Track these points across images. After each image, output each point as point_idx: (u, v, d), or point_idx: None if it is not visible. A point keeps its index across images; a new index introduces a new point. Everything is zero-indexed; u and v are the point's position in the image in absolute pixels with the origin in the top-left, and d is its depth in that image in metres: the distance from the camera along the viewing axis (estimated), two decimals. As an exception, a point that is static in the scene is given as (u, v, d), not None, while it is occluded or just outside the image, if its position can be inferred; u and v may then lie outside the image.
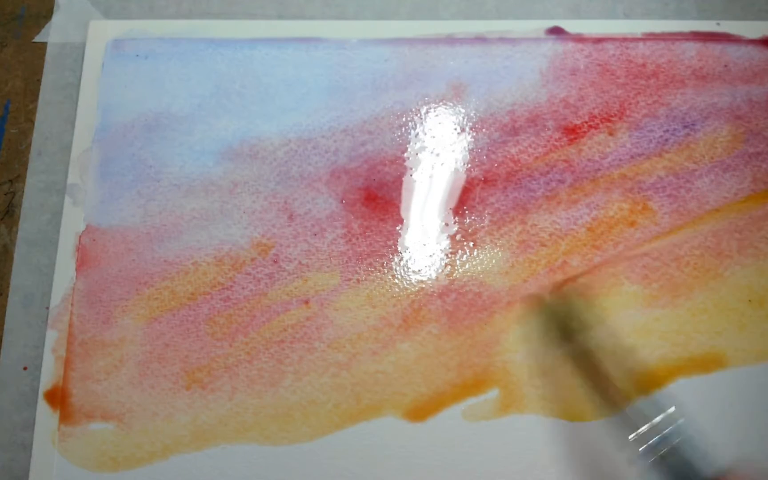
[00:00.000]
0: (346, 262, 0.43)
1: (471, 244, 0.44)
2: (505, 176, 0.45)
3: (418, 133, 0.46)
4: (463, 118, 0.47)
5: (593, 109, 0.47)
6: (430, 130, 0.46)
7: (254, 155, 0.46)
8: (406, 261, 0.44)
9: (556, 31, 0.48)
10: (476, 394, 0.41)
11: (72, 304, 0.43)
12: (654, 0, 0.50)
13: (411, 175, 0.45)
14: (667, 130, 0.46)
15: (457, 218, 0.44)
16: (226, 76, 0.47)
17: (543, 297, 0.41)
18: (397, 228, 0.44)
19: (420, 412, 0.41)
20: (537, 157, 0.46)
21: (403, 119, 0.46)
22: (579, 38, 0.48)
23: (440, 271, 0.43)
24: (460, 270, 0.43)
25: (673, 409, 0.33)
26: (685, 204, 0.45)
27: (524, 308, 0.42)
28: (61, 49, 0.49)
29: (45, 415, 0.41)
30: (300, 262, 0.43)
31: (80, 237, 0.44)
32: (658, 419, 0.33)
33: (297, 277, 0.43)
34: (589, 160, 0.45)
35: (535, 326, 0.41)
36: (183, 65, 0.47)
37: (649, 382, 0.41)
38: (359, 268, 0.43)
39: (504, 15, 0.49)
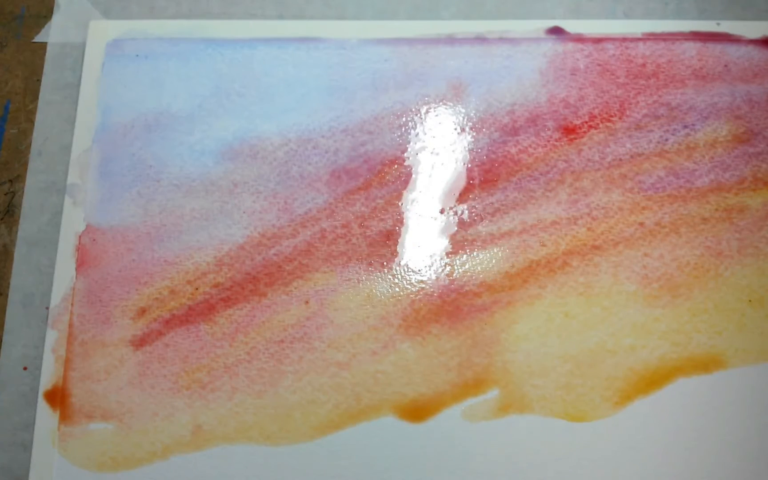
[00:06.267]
0: (346, 262, 0.43)
1: (471, 244, 0.44)
2: (505, 176, 0.45)
3: (418, 133, 0.46)
4: (463, 118, 0.47)
5: (593, 109, 0.47)
6: (430, 130, 0.46)
7: (254, 155, 0.46)
8: (406, 261, 0.44)
9: (556, 31, 0.48)
10: (476, 394, 0.41)
11: (72, 304, 0.43)
12: (654, 0, 0.50)
13: (411, 175, 0.45)
14: (667, 130, 0.46)
15: (457, 218, 0.44)
16: (226, 76, 0.47)
17: None
18: (397, 228, 0.44)
19: (420, 412, 0.41)
20: (537, 157, 0.46)
21: (403, 119, 0.46)
22: (579, 38, 0.48)
23: (440, 271, 0.43)
24: (460, 270, 0.43)
25: None
26: (685, 204, 0.45)
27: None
28: (61, 49, 0.49)
29: (45, 415, 0.41)
30: (300, 262, 0.43)
31: (80, 237, 0.44)
32: None
33: (297, 277, 0.43)
34: (589, 160, 0.45)
35: None
36: (183, 65, 0.47)
37: (649, 382, 0.42)
38: (359, 267, 0.43)
39: (504, 15, 0.49)
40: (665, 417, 0.41)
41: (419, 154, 0.46)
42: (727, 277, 0.43)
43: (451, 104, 0.47)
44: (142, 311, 0.43)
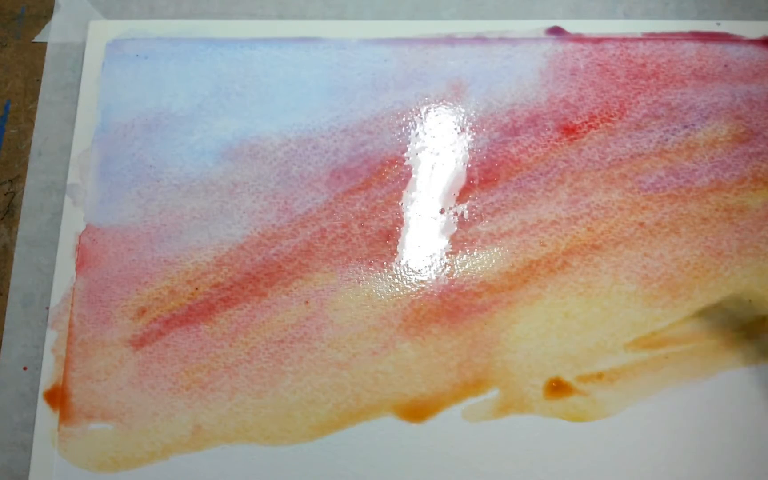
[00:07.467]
0: (346, 262, 0.43)
1: (471, 244, 0.44)
2: (505, 176, 0.45)
3: (418, 133, 0.46)
4: (463, 117, 0.47)
5: (593, 109, 0.47)
6: (430, 130, 0.46)
7: (254, 155, 0.46)
8: (406, 261, 0.44)
9: (556, 31, 0.48)
10: (476, 394, 0.41)
11: (72, 304, 0.43)
12: (654, 0, 0.50)
13: (411, 175, 0.45)
14: (667, 130, 0.46)
15: (457, 218, 0.44)
16: (226, 76, 0.47)
17: None
18: (397, 228, 0.44)
19: (420, 412, 0.41)
20: (537, 157, 0.46)
21: (403, 119, 0.46)
22: (579, 38, 0.48)
23: (440, 271, 0.43)
24: (460, 270, 0.43)
25: None
26: (685, 204, 0.45)
27: None
28: (61, 49, 0.49)
29: (45, 415, 0.41)
30: (300, 262, 0.43)
31: (80, 237, 0.44)
32: None
33: (297, 277, 0.43)
34: (589, 160, 0.45)
35: None
36: (183, 65, 0.47)
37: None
38: (359, 268, 0.43)
39: (504, 15, 0.49)
40: (665, 417, 0.41)
41: (419, 154, 0.46)
42: (727, 277, 0.43)
43: (451, 104, 0.47)
44: (142, 311, 0.43)
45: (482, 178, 0.45)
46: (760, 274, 0.43)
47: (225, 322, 0.43)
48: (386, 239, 0.44)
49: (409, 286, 0.43)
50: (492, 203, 0.45)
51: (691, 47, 0.48)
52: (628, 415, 0.41)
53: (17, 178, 0.46)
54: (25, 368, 0.42)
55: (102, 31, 0.48)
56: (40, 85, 0.48)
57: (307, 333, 0.42)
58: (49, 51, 0.49)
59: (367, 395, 0.41)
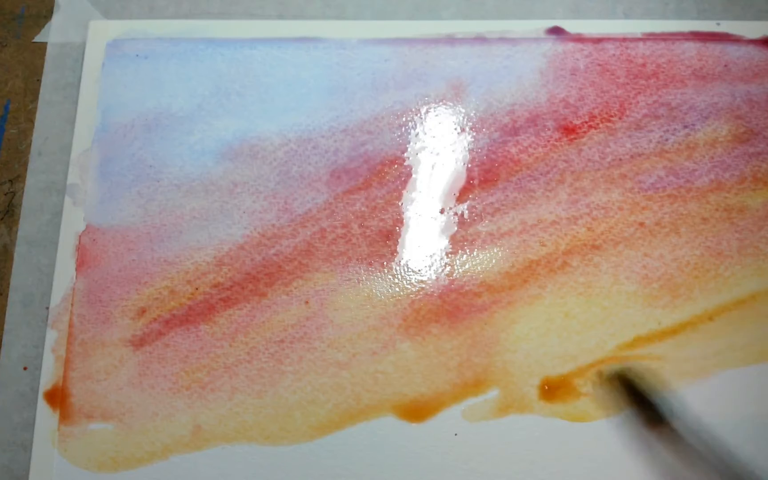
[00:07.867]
0: (346, 262, 0.43)
1: (471, 244, 0.44)
2: (505, 176, 0.45)
3: (418, 133, 0.46)
4: (463, 117, 0.47)
5: (593, 109, 0.47)
6: (430, 129, 0.46)
7: (254, 155, 0.46)
8: (406, 261, 0.44)
9: (556, 31, 0.48)
10: (476, 394, 0.41)
11: (72, 304, 0.43)
12: (654, 0, 0.50)
13: (411, 175, 0.45)
14: (667, 130, 0.46)
15: (457, 218, 0.44)
16: (226, 76, 0.47)
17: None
18: (397, 228, 0.44)
19: (420, 412, 0.41)
20: (537, 157, 0.46)
21: (403, 119, 0.46)
22: (579, 38, 0.48)
23: (440, 271, 0.43)
24: (460, 270, 0.43)
25: None
26: (685, 204, 0.45)
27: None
28: (61, 49, 0.49)
29: (45, 415, 0.41)
30: (300, 262, 0.43)
31: (80, 237, 0.44)
32: None
33: (297, 277, 0.43)
34: (589, 160, 0.45)
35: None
36: (183, 65, 0.47)
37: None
38: (359, 268, 0.43)
39: (504, 15, 0.49)
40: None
41: (419, 154, 0.46)
42: (727, 277, 0.43)
43: (451, 104, 0.47)
44: (142, 311, 0.43)
45: (482, 178, 0.45)
46: (760, 274, 0.43)
47: (225, 322, 0.43)
48: (386, 239, 0.44)
49: (409, 286, 0.43)
50: (492, 203, 0.45)
51: (691, 47, 0.48)
52: (627, 415, 0.41)
53: (17, 178, 0.46)
54: (25, 368, 0.42)
55: (102, 31, 0.48)
56: (40, 85, 0.48)
57: (307, 333, 0.42)
58: (49, 51, 0.49)
59: (367, 395, 0.41)
